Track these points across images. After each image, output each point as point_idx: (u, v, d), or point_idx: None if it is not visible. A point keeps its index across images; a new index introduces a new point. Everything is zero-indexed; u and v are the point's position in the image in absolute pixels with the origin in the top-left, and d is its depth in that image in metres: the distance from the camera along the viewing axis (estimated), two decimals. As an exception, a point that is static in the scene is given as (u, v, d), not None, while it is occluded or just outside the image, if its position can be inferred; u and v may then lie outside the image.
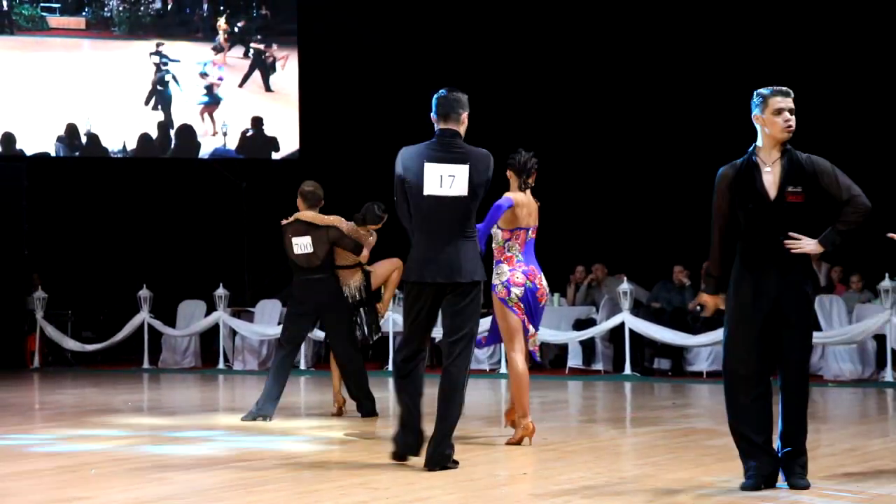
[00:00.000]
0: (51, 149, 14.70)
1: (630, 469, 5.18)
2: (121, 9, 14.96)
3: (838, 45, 12.54)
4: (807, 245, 4.32)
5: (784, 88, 4.37)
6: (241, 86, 15.23)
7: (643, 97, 13.70)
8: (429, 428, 5.10)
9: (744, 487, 4.34)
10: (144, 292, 13.10)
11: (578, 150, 13.67)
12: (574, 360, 11.58)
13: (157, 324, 13.13)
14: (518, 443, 5.72)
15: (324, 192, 7.41)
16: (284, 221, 7.34)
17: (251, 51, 15.19)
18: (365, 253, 7.25)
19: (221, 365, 12.66)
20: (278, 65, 15.21)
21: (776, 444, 4.40)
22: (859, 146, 12.02)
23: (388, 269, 7.49)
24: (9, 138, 14.56)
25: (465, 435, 6.10)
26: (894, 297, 9.67)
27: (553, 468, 5.11)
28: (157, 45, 14.90)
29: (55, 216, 15.11)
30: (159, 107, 14.92)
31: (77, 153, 14.79)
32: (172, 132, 14.99)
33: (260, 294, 13.88)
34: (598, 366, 11.39)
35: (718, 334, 10.44)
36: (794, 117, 4.33)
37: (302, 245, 7.18)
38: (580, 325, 11.38)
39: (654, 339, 10.88)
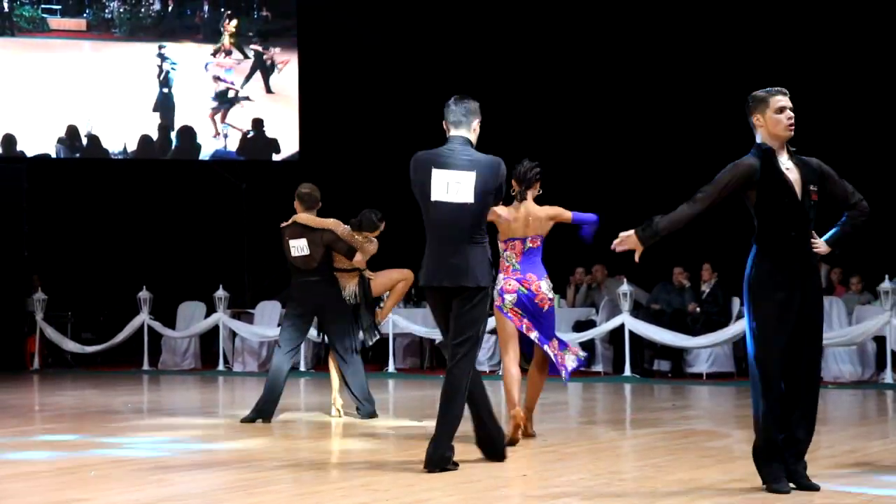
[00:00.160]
0: (51, 150, 14.71)
1: (630, 471, 5.18)
2: (121, 10, 14.97)
3: (832, 47, 12.54)
4: (822, 246, 4.34)
5: (781, 88, 4.38)
6: (242, 87, 15.24)
7: (642, 100, 13.71)
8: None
9: (779, 490, 4.20)
10: (144, 294, 13.10)
11: (577, 153, 13.67)
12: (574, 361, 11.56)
13: (157, 325, 13.13)
14: (513, 440, 5.72)
15: (322, 195, 7.42)
16: (283, 224, 7.37)
17: (252, 52, 15.20)
18: (359, 258, 7.21)
19: (221, 366, 12.67)
20: (279, 66, 15.23)
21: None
22: (854, 148, 12.03)
23: (391, 279, 7.48)
24: (9, 140, 14.57)
25: (465, 436, 6.10)
26: (894, 298, 9.67)
27: (553, 470, 5.12)
28: (160, 46, 14.92)
29: (55, 218, 15.11)
30: (161, 108, 14.93)
31: (77, 154, 14.79)
32: (173, 134, 15.00)
33: (260, 296, 13.88)
34: (598, 367, 11.40)
35: (718, 336, 10.47)
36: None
37: (298, 247, 7.22)
38: (580, 326, 11.39)
39: (653, 340, 10.88)
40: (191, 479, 4.97)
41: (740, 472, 4.77)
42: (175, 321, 13.39)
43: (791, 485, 4.27)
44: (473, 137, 5.09)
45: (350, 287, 7.33)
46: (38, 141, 14.67)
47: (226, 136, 15.11)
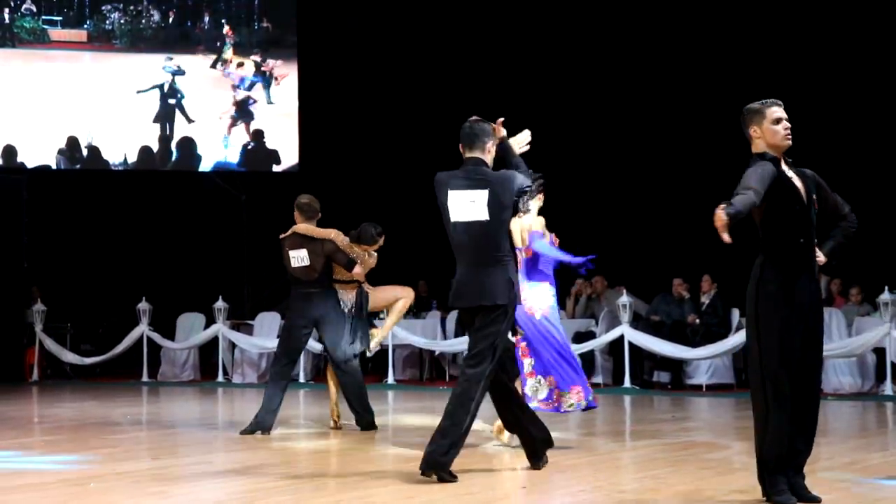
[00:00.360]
0: (52, 161, 14.73)
1: (629, 482, 5.18)
2: (122, 22, 15.02)
3: (831, 61, 12.58)
4: (820, 256, 4.36)
5: (775, 100, 4.40)
6: (243, 98, 15.27)
7: (642, 110, 13.73)
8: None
9: (784, 503, 4.18)
10: (144, 305, 13.10)
11: (578, 164, 13.69)
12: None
13: (157, 336, 13.12)
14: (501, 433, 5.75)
15: (322, 206, 7.42)
16: (282, 235, 7.37)
17: (252, 64, 15.24)
18: (358, 270, 7.21)
19: (221, 378, 12.65)
20: (279, 78, 15.27)
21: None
22: (853, 160, 12.06)
23: (390, 296, 7.49)
24: (10, 151, 14.59)
25: (465, 449, 6.09)
26: (894, 309, 9.66)
27: (552, 482, 5.11)
28: (168, 58, 14.96)
29: (55, 229, 15.12)
30: (161, 120, 14.96)
31: (78, 166, 14.81)
32: (173, 145, 15.03)
33: (259, 307, 13.88)
34: (598, 378, 11.38)
35: (718, 347, 10.46)
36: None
37: (299, 258, 7.20)
38: (580, 337, 11.38)
39: (653, 351, 10.87)
40: (190, 491, 4.96)
41: (740, 484, 4.77)
42: (174, 332, 13.38)
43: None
44: (488, 158, 5.22)
45: (348, 299, 7.33)
46: (39, 152, 14.69)
47: (226, 146, 15.14)
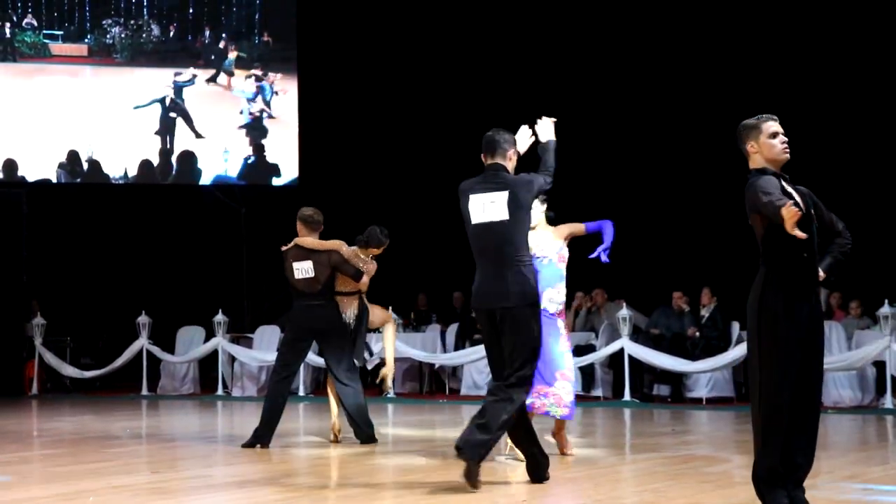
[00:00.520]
0: (52, 175, 14.76)
1: (629, 496, 5.16)
2: (123, 36, 15.07)
3: (831, 77, 12.62)
4: (819, 272, 4.36)
5: (770, 115, 4.41)
6: (242, 112, 15.31)
7: (641, 122, 13.77)
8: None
9: None
10: (143, 318, 13.09)
11: (577, 178, 13.71)
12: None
13: (156, 350, 13.11)
14: None
15: (323, 219, 7.42)
16: (284, 247, 7.35)
17: (253, 78, 15.29)
18: (365, 280, 7.24)
19: (220, 391, 12.63)
20: (279, 92, 15.31)
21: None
22: (851, 173, 12.09)
23: (380, 317, 7.55)
24: (10, 165, 14.62)
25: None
26: (894, 323, 9.66)
27: (552, 495, 5.10)
28: (176, 73, 15.01)
29: (55, 243, 15.13)
30: (164, 133, 15.00)
31: (78, 179, 14.84)
32: (174, 158, 15.05)
33: (259, 320, 13.87)
34: (598, 392, 11.37)
35: (718, 361, 10.45)
36: None
37: (303, 270, 7.18)
38: (580, 351, 11.37)
39: (653, 365, 10.87)
40: (189, 505, 4.95)
41: (740, 498, 4.76)
42: (174, 346, 13.38)
43: None
44: (510, 166, 5.33)
45: (350, 311, 7.33)
46: (39, 166, 14.72)
47: (226, 160, 15.16)
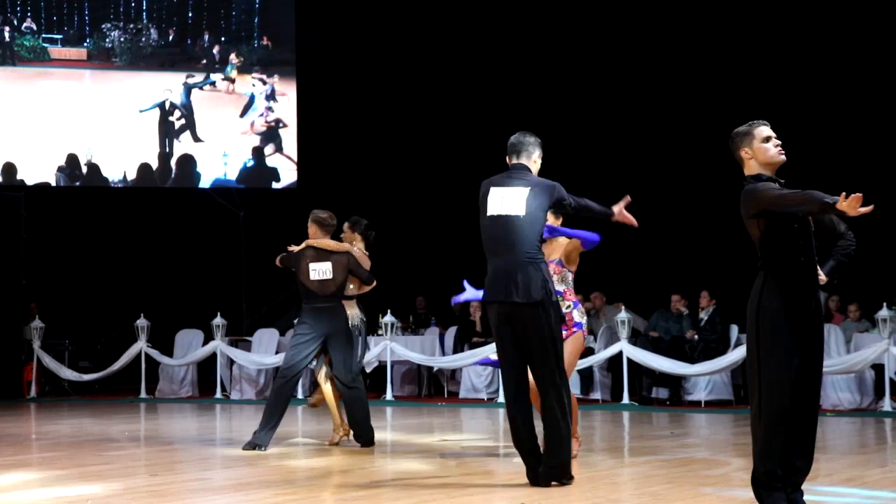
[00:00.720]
0: (51, 178, 14.76)
1: (628, 499, 5.17)
2: (122, 40, 15.08)
3: (829, 78, 12.64)
4: (821, 275, 4.35)
5: (761, 120, 4.40)
6: (242, 116, 15.33)
7: (639, 126, 13.79)
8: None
9: None
10: (142, 321, 13.09)
11: (575, 181, 13.72)
12: (572, 388, 11.54)
13: (155, 353, 13.11)
14: None
15: (336, 222, 7.44)
16: (295, 248, 7.27)
17: (253, 82, 15.30)
18: (374, 283, 7.29)
19: (219, 394, 12.63)
20: (279, 95, 15.32)
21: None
22: (851, 176, 12.08)
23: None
24: (10, 168, 14.62)
25: (463, 465, 6.08)
26: (892, 326, 9.67)
27: (551, 498, 5.10)
28: (189, 75, 15.02)
29: (53, 246, 15.13)
30: (163, 137, 15.01)
31: (77, 183, 14.84)
32: (173, 162, 15.06)
33: (257, 323, 13.88)
34: (597, 395, 11.38)
35: (717, 364, 10.46)
36: None
37: (321, 271, 7.12)
38: (578, 354, 11.38)
39: (652, 368, 10.87)
40: (188, 508, 4.95)
41: (739, 501, 4.76)
42: (173, 349, 13.37)
43: None
44: (534, 168, 5.37)
45: (354, 314, 7.32)
46: (39, 169, 14.73)
47: (225, 164, 15.17)
